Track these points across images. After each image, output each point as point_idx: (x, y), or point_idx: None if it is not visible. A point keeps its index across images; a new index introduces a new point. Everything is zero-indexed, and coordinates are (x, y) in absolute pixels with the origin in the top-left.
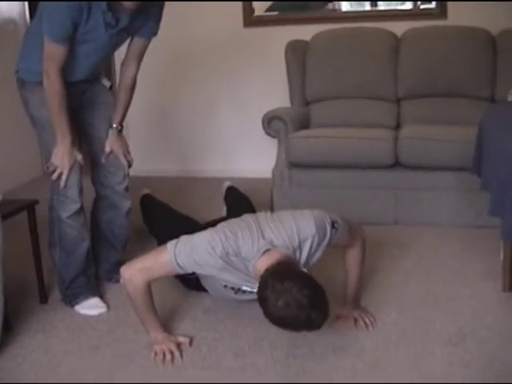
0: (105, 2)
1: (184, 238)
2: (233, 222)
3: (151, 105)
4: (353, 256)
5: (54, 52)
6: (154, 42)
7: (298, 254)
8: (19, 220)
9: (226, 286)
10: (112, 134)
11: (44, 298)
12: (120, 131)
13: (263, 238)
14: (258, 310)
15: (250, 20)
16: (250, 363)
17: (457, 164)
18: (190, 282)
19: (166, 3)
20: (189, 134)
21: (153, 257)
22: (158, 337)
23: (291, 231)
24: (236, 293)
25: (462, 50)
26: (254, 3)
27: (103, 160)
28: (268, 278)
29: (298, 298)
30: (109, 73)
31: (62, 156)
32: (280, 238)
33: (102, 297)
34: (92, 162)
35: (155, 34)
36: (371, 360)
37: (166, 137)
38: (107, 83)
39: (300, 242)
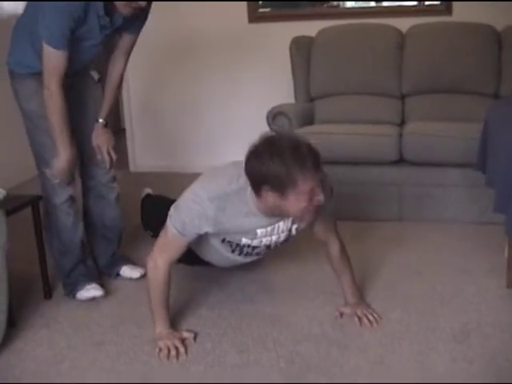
0: (102, 7)
1: (172, 208)
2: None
3: (152, 100)
4: (335, 255)
5: (54, 59)
6: (159, 37)
7: None
8: (23, 216)
9: (223, 241)
10: (97, 128)
11: (48, 294)
12: (105, 125)
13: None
14: (261, 306)
15: (255, 16)
16: (254, 359)
17: (461, 160)
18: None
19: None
20: (192, 130)
21: (162, 238)
22: (163, 332)
23: None
24: (233, 251)
25: (467, 47)
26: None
27: (98, 157)
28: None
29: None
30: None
31: (63, 171)
32: None
33: (102, 285)
34: (79, 154)
35: (141, 28)
36: (375, 356)
37: (168, 132)
38: (96, 75)
39: None
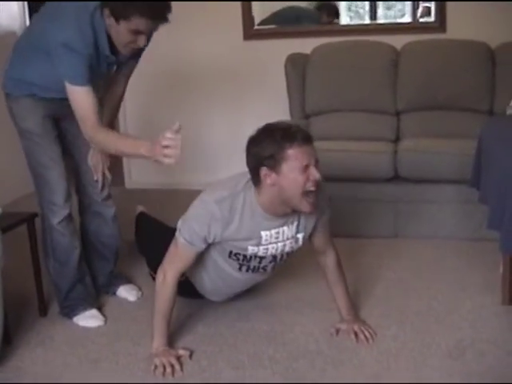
0: (107, 46)
1: (181, 220)
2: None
3: (148, 116)
4: (331, 266)
5: (84, 97)
6: (153, 55)
7: None
8: (19, 233)
9: (230, 255)
10: (93, 148)
11: (43, 311)
12: None
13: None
14: (257, 323)
15: (250, 33)
16: (250, 376)
17: (456, 177)
18: (187, 289)
19: None
20: (188, 147)
21: (172, 250)
22: (159, 349)
23: None
24: (240, 267)
25: (461, 64)
26: (256, 16)
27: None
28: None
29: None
30: None
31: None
32: None
33: (100, 308)
34: (74, 172)
35: (142, 53)
36: (371, 373)
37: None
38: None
39: None
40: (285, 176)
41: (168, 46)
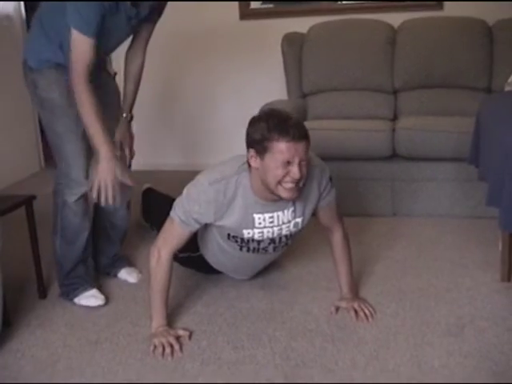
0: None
1: (177, 199)
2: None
3: (147, 98)
4: (338, 246)
5: (83, 47)
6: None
7: None
8: (17, 215)
9: (229, 237)
10: (123, 122)
11: (43, 294)
12: (130, 120)
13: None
14: (256, 303)
15: (247, 12)
16: (249, 356)
17: (454, 155)
18: (195, 261)
19: None
20: (185, 127)
21: (166, 229)
22: (158, 329)
23: None
24: (241, 248)
25: (459, 41)
26: None
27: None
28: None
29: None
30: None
31: (110, 168)
32: None
33: (100, 289)
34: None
35: (160, 16)
36: (370, 351)
37: (163, 130)
38: (112, 70)
39: None
40: (266, 164)
41: (164, 26)
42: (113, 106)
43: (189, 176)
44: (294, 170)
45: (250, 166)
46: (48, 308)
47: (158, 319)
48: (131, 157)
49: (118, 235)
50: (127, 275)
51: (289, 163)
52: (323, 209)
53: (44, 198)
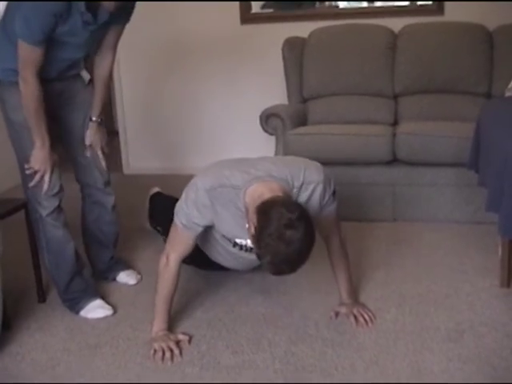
0: (83, 3)
1: (177, 204)
2: (225, 161)
3: (145, 102)
4: (334, 249)
5: (30, 55)
6: (152, 38)
7: (296, 192)
8: (16, 219)
9: (235, 245)
10: (92, 127)
11: (42, 297)
12: (100, 123)
13: (258, 169)
14: (256, 308)
15: (247, 17)
16: (249, 360)
17: (454, 160)
18: (198, 259)
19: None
20: (185, 132)
21: (172, 235)
22: (159, 333)
23: (298, 169)
24: (234, 246)
25: (459, 46)
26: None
27: (87, 154)
28: (266, 217)
29: (292, 234)
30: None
31: (44, 160)
32: (281, 171)
33: (103, 297)
34: (73, 162)
35: (129, 19)
36: (370, 356)
37: (162, 134)
38: (87, 76)
39: (303, 184)
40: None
41: (165, 30)
42: (84, 114)
43: (186, 180)
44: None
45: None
46: (47, 312)
47: (159, 323)
48: (104, 158)
49: (109, 240)
50: (126, 277)
51: None
52: (322, 218)
53: None
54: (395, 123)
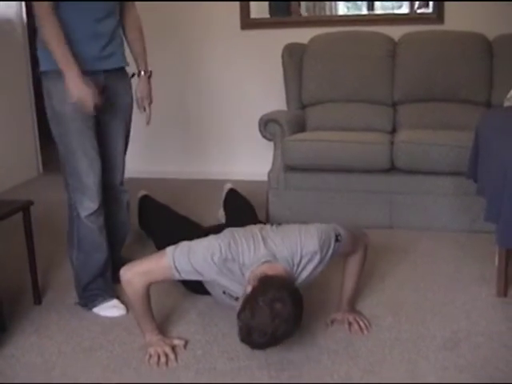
0: None
1: (184, 244)
2: (237, 230)
3: None
4: (353, 263)
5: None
6: (149, 42)
7: (296, 269)
8: (14, 221)
9: (224, 293)
10: (143, 81)
11: (38, 300)
12: (149, 76)
13: (266, 248)
14: None
15: (248, 22)
16: (244, 367)
17: (453, 169)
18: (191, 285)
19: (164, 5)
20: (185, 137)
21: (153, 261)
22: (153, 339)
23: (295, 247)
24: (224, 293)
25: (459, 55)
26: (252, 6)
27: (140, 109)
28: (266, 285)
29: (282, 311)
30: None
31: (79, 84)
32: (282, 252)
33: (118, 298)
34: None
35: None
36: (366, 364)
37: (163, 138)
38: (130, 71)
39: (301, 258)
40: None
41: (165, 35)
42: (123, 120)
43: (185, 185)
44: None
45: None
46: (43, 314)
47: (149, 333)
48: (149, 116)
49: (118, 239)
50: None
51: None
52: (342, 251)
53: (41, 204)
54: (393, 131)
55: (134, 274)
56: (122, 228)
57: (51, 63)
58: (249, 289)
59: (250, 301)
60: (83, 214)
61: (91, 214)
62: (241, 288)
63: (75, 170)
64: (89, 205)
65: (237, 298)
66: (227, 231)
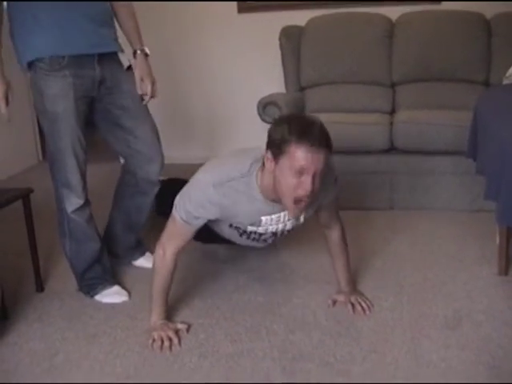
0: None
1: (178, 196)
2: (218, 157)
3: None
4: (335, 242)
5: None
6: (148, 28)
7: None
8: (15, 209)
9: (230, 226)
10: (140, 59)
11: (40, 287)
12: (146, 55)
13: (261, 151)
14: (254, 296)
15: (244, 6)
16: (247, 349)
17: (452, 148)
18: (203, 236)
19: None
20: (184, 120)
21: (170, 226)
22: (157, 323)
23: None
24: (241, 235)
25: (457, 35)
26: None
27: (139, 91)
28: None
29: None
30: None
31: None
32: None
33: (120, 284)
34: (124, 153)
35: None
36: (368, 344)
37: (161, 124)
38: (125, 61)
39: None
40: (280, 170)
41: (162, 21)
42: (133, 103)
43: (186, 168)
44: (307, 182)
45: (263, 165)
46: (45, 301)
47: (157, 314)
48: (153, 95)
49: (137, 227)
50: (146, 262)
51: (303, 172)
52: (324, 207)
53: (41, 192)
54: (393, 112)
55: (164, 244)
56: (143, 217)
57: (35, 52)
58: (272, 164)
59: (289, 123)
60: (69, 209)
61: (77, 209)
62: (249, 215)
63: (63, 167)
64: (75, 200)
65: (243, 232)
66: (208, 162)
